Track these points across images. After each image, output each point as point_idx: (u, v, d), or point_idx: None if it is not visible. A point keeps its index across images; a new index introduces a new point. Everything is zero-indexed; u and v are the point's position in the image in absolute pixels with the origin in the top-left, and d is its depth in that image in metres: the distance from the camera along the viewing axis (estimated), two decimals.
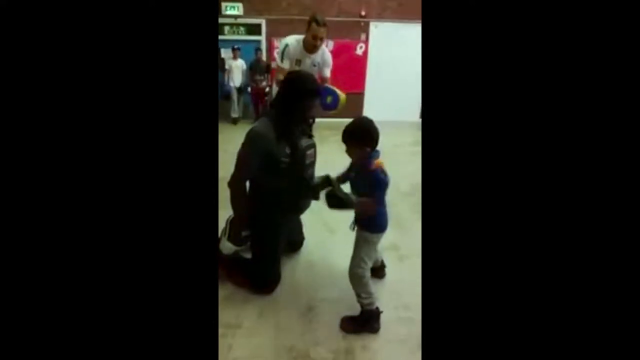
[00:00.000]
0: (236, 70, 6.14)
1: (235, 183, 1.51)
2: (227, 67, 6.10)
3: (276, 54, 2.30)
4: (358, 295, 1.42)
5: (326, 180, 1.47)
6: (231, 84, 6.12)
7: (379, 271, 1.77)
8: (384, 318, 1.50)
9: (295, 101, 1.47)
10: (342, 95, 2.23)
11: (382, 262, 1.79)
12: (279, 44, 2.28)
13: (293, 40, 2.25)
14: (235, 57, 6.09)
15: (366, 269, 1.41)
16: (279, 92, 1.52)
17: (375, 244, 1.42)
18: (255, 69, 6.06)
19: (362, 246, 1.41)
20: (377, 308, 1.44)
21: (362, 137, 1.29)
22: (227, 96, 6.21)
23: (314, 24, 2.12)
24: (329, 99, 2.26)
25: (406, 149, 4.60)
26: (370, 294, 1.41)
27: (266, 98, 5.92)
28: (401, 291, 1.68)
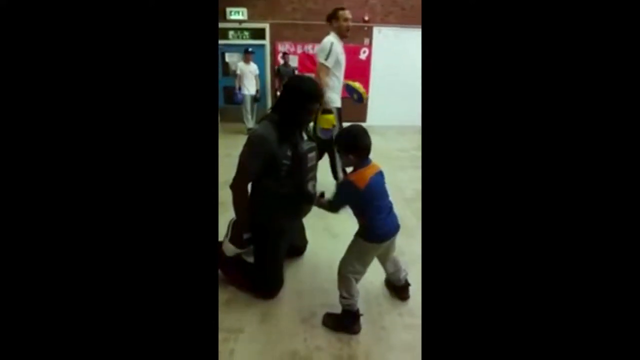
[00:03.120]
0: (250, 75, 5.46)
1: (237, 186, 1.51)
2: (238, 72, 5.41)
3: (318, 52, 2.49)
4: (340, 294, 1.43)
5: (321, 194, 1.53)
6: (245, 92, 5.48)
7: (402, 291, 1.65)
8: (388, 324, 1.49)
9: (298, 105, 1.48)
10: (363, 91, 2.61)
11: (407, 281, 1.66)
12: (322, 44, 2.49)
13: (333, 38, 2.48)
14: (247, 61, 5.45)
15: (354, 272, 1.40)
16: (281, 96, 1.53)
17: (367, 252, 1.41)
18: (283, 74, 5.63)
19: (352, 250, 1.43)
20: (357, 310, 1.44)
21: (346, 145, 1.34)
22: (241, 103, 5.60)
23: (340, 12, 2.45)
24: (355, 96, 2.59)
25: (410, 153, 4.59)
26: (351, 296, 1.41)
27: None
28: None
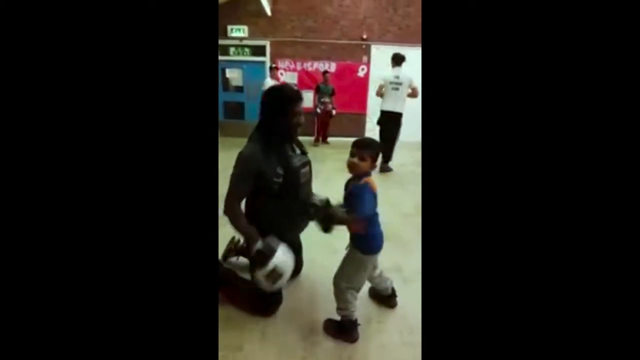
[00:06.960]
0: None
1: (229, 207, 1.49)
2: (265, 87, 5.39)
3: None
4: (338, 306, 1.44)
5: (326, 204, 1.47)
6: None
7: (389, 300, 1.68)
8: (387, 341, 1.47)
9: (278, 111, 1.48)
10: None
11: (393, 290, 1.68)
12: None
13: None
14: (273, 77, 5.46)
15: (352, 287, 1.41)
16: (261, 109, 1.52)
17: (364, 265, 1.41)
18: (323, 91, 5.67)
19: (349, 263, 1.43)
20: (355, 320, 1.44)
21: (374, 151, 1.34)
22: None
23: None
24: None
25: (408, 168, 4.61)
26: (347, 305, 1.42)
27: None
28: (405, 314, 1.64)
